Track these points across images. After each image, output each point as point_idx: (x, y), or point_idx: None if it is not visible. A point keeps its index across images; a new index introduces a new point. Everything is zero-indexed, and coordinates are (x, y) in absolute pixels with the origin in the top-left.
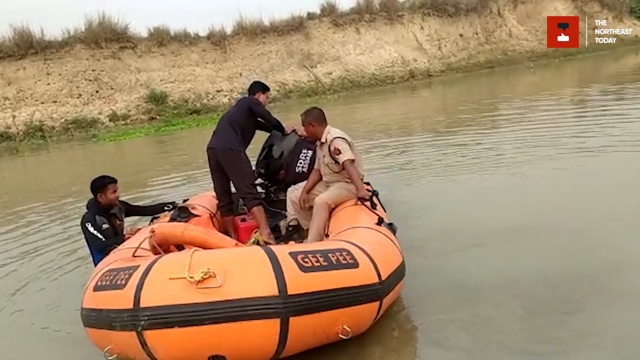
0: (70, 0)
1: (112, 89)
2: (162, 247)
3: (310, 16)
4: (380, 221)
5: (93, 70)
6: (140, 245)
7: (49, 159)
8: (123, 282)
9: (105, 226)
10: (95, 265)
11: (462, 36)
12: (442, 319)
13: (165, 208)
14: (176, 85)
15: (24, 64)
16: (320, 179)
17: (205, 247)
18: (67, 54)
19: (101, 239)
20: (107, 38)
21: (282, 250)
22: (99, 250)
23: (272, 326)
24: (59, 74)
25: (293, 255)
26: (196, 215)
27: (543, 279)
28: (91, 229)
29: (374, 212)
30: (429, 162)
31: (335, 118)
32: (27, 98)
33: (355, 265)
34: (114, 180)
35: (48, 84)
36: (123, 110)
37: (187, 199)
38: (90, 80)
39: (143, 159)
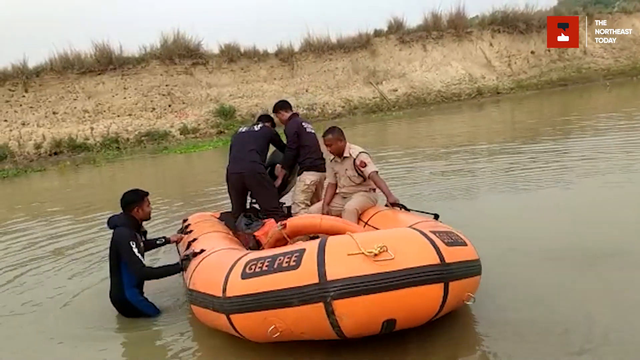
0: (148, 18)
1: (183, 103)
2: (291, 237)
3: (377, 33)
4: (436, 216)
5: (167, 85)
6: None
7: (124, 170)
8: (293, 263)
9: (140, 245)
10: (120, 278)
11: (534, 53)
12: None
13: (158, 242)
14: (244, 100)
15: (103, 79)
16: (335, 192)
17: (339, 233)
18: (143, 69)
19: (144, 265)
20: (180, 54)
21: (427, 229)
22: (140, 275)
23: (437, 290)
24: (135, 89)
25: (434, 233)
26: (266, 219)
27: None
28: (135, 250)
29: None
30: (492, 174)
31: (400, 133)
32: (104, 111)
33: (464, 243)
34: (147, 193)
35: (124, 98)
36: (193, 124)
37: (187, 219)
38: (163, 95)
39: (210, 169)
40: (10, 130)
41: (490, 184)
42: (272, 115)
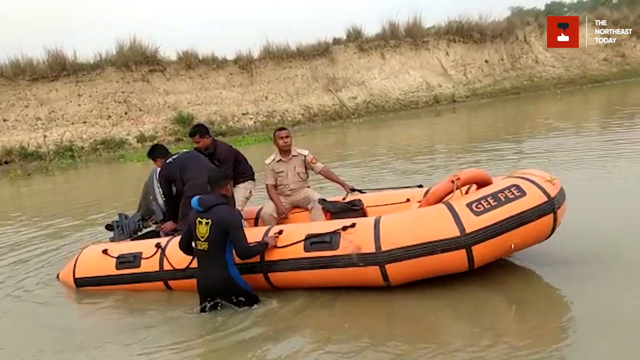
0: (103, 24)
1: (140, 110)
2: (460, 187)
3: (336, 41)
4: (420, 186)
5: (123, 92)
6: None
7: (78, 178)
8: (518, 194)
9: None
10: (224, 257)
11: (488, 62)
12: None
13: None
14: (203, 107)
15: (57, 86)
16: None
17: (489, 183)
18: (98, 76)
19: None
20: (137, 61)
21: None
22: (247, 253)
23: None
24: (90, 96)
25: None
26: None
27: None
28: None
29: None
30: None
31: (361, 138)
32: (58, 119)
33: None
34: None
35: (79, 105)
36: (150, 132)
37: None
38: (119, 102)
39: None
40: None
41: None
42: (196, 138)
